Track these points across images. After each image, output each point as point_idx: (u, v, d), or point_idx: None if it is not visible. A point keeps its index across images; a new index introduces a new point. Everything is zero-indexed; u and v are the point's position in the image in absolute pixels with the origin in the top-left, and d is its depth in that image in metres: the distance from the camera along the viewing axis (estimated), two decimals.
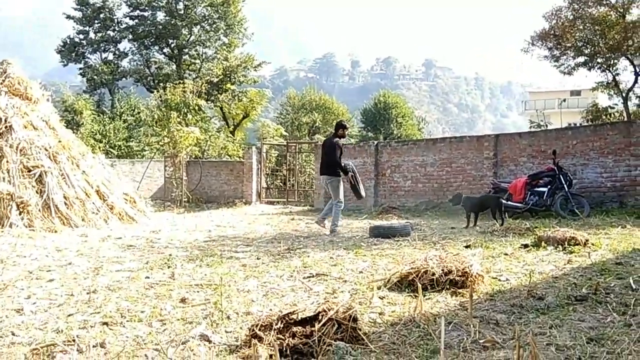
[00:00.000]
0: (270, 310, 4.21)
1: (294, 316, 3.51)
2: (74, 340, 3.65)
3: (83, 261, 7.42)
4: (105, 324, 4.17)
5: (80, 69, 38.62)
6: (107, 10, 38.36)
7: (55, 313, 4.56)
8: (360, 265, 6.42)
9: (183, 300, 4.84)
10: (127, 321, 4.25)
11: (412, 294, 4.72)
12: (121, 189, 14.30)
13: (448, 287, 4.82)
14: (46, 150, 13.19)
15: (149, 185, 22.24)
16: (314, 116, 38.74)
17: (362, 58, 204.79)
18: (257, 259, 7.24)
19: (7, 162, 12.52)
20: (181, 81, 29.28)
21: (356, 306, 4.00)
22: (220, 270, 6.37)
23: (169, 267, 6.74)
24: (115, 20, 38.91)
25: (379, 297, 4.70)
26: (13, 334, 3.99)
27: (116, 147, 30.11)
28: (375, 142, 18.73)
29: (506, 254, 6.81)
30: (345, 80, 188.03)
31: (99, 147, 25.35)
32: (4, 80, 14.12)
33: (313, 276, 5.85)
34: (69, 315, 4.45)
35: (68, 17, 38.36)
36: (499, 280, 5.30)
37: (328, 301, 3.66)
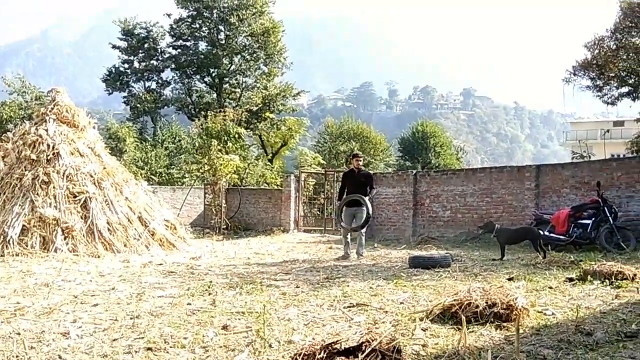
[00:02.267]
0: (313, 339, 4.20)
1: (337, 346, 3.49)
2: None
3: (126, 286, 7.53)
4: (150, 349, 4.22)
5: (124, 97, 39.66)
6: (152, 40, 39.44)
7: (101, 337, 4.64)
8: (401, 295, 6.37)
9: (225, 328, 4.86)
10: (171, 347, 4.29)
11: (455, 327, 4.66)
12: (162, 216, 14.52)
13: (492, 320, 4.73)
14: (91, 176, 13.53)
15: (189, 212, 22.54)
16: (352, 145, 38.85)
17: (400, 87, 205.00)
18: (297, 287, 7.25)
19: (54, 187, 12.88)
20: (221, 109, 29.78)
21: (399, 337, 3.96)
22: (260, 298, 6.39)
23: (209, 293, 6.79)
24: (159, 50, 39.96)
25: (422, 329, 4.65)
26: (60, 357, 4.07)
27: (157, 174, 30.65)
28: (414, 171, 18.66)
29: (551, 288, 6.66)
30: (382, 109, 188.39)
31: (141, 174, 25.83)
32: (52, 108, 14.61)
33: (353, 306, 5.82)
34: (114, 340, 4.52)
35: (114, 47, 39.56)
36: (545, 314, 5.19)
37: (371, 331, 3.63)
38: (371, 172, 12.08)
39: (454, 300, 5.01)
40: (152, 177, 28.80)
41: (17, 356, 3.95)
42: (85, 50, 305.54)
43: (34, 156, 13.38)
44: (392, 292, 6.64)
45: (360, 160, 12.00)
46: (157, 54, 39.85)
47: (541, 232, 11.49)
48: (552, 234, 12.38)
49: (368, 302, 5.97)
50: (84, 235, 12.37)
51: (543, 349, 4.03)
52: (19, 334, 4.76)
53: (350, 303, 5.95)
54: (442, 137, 44.46)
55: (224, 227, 20.15)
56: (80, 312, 5.77)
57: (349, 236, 11.66)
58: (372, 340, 3.49)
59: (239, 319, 5.26)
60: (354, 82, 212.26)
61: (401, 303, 5.94)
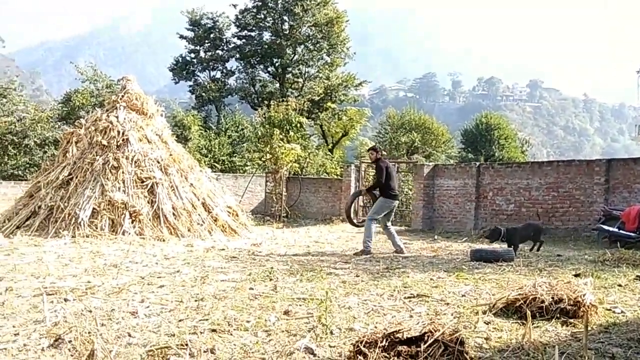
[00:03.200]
0: (375, 327, 4.20)
1: (399, 335, 3.48)
2: (186, 345, 3.82)
3: (190, 270, 7.73)
4: (214, 330, 4.33)
5: (190, 86, 40.50)
6: (217, 30, 40.07)
7: (167, 317, 4.78)
8: (463, 288, 6.28)
9: (286, 313, 4.93)
10: (234, 329, 4.39)
11: (519, 321, 4.57)
12: (225, 202, 14.79)
13: (558, 316, 4.62)
14: (158, 162, 13.92)
15: (250, 199, 22.87)
16: (413, 136, 38.44)
17: (464, 78, 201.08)
18: (357, 276, 7.26)
19: (123, 172, 13.33)
20: (284, 99, 30.01)
21: (462, 329, 3.91)
22: (320, 285, 6.44)
23: (270, 279, 6.89)
24: (224, 40, 40.56)
25: (485, 322, 4.58)
26: (129, 335, 4.22)
27: (220, 162, 31.19)
28: (477, 163, 18.31)
29: (620, 285, 6.43)
30: (445, 101, 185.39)
31: (205, 161, 26.37)
32: (123, 96, 15.08)
33: (414, 297, 5.79)
34: (180, 321, 4.65)
35: (181, 37, 40.42)
36: (614, 312, 5.01)
37: (433, 322, 3.60)
38: (382, 164, 11.20)
39: (519, 294, 4.91)
40: (215, 164, 29.34)
41: (89, 332, 4.11)
42: (153, 39, 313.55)
43: (104, 142, 13.87)
44: (453, 285, 6.57)
45: (371, 154, 11.14)
46: (223, 44, 40.46)
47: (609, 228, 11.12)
48: (622, 231, 11.93)
49: (429, 294, 5.92)
50: (150, 219, 12.76)
51: (612, 347, 3.91)
52: (90, 311, 4.97)
53: (411, 294, 5.92)
54: (507, 130, 43.38)
55: (284, 215, 20.35)
56: (147, 292, 5.97)
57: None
58: (435, 331, 3.47)
59: (300, 305, 5.32)
60: (416, 73, 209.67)
61: (463, 296, 5.87)
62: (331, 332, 4.29)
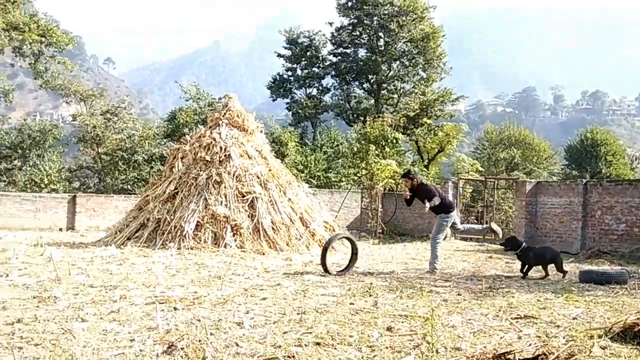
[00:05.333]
0: (484, 347, 4.08)
1: (510, 356, 3.37)
2: (293, 357, 3.87)
3: (290, 283, 7.84)
4: (318, 344, 4.36)
5: (287, 103, 41.37)
6: (314, 48, 40.77)
7: (272, 329, 4.87)
8: (573, 311, 5.98)
9: (389, 329, 4.89)
10: (338, 344, 4.40)
11: (638, 347, 4.28)
12: (322, 217, 14.94)
13: None
14: (258, 177, 14.29)
15: (345, 215, 22.96)
16: (513, 152, 37.29)
17: (567, 92, 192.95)
18: (458, 294, 7.09)
19: (225, 187, 13.79)
20: (379, 115, 30.02)
21: (577, 353, 3.73)
22: (421, 302, 6.34)
23: (370, 295, 6.87)
24: (320, 57, 41.19)
25: (600, 347, 4.33)
26: (237, 345, 4.33)
27: (316, 177, 31.57)
28: (584, 180, 17.45)
29: None
30: (546, 116, 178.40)
31: (301, 177, 26.79)
32: (225, 113, 15.63)
33: (521, 317, 5.57)
34: (284, 333, 4.72)
35: (279, 55, 41.47)
36: None
37: (547, 345, 3.45)
38: (429, 186, 10.99)
39: (638, 318, 4.61)
40: (311, 180, 29.72)
41: (199, 340, 4.26)
42: (251, 59, 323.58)
43: (208, 157, 14.42)
44: (562, 307, 6.27)
45: (407, 182, 10.67)
46: (319, 62, 41.09)
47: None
48: None
49: (536, 315, 5.68)
50: (250, 233, 13.10)
51: None
52: (199, 320, 5.15)
53: (517, 314, 5.71)
54: (614, 145, 41.15)
55: (380, 231, 20.25)
56: (251, 304, 6.10)
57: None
58: (549, 354, 3.33)
59: (402, 322, 5.26)
60: (514, 87, 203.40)
61: (574, 319, 5.58)
62: (437, 351, 4.21)
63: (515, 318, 5.54)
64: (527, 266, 9.36)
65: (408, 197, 10.67)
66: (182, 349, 4.08)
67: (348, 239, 10.62)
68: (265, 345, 4.33)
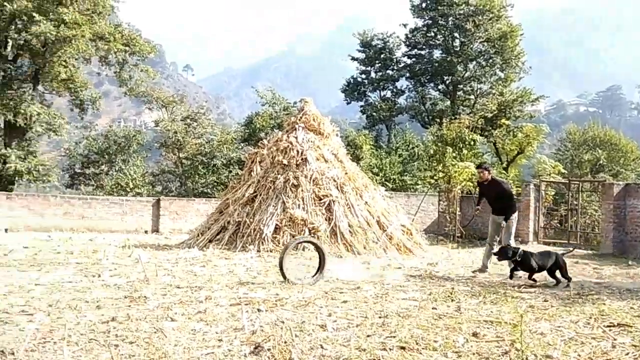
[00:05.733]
0: (579, 355, 3.94)
1: None
2: None
3: (369, 287, 7.82)
4: (403, 348, 4.33)
5: (361, 106, 41.33)
6: (388, 50, 40.59)
7: (355, 332, 4.87)
8: None
9: (475, 335, 4.80)
10: (423, 348, 4.36)
11: None
12: (399, 221, 14.82)
13: None
14: (334, 181, 14.36)
15: (422, 218, 22.70)
16: (598, 153, 35.77)
17: None
18: (545, 301, 6.88)
19: (302, 190, 13.94)
20: (455, 117, 29.52)
21: None
22: (506, 308, 6.19)
23: (452, 300, 6.76)
24: (394, 59, 40.96)
25: None
26: (322, 347, 4.36)
27: (391, 181, 31.37)
28: None
29: None
30: (633, 115, 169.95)
31: (376, 180, 26.68)
32: (301, 117, 15.82)
33: (614, 326, 5.33)
34: (368, 336, 4.72)
35: (353, 58, 41.53)
36: None
37: None
38: (503, 183, 10.60)
39: None
40: (387, 183, 29.56)
41: (285, 342, 4.33)
42: (324, 63, 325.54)
43: (285, 161, 14.63)
44: None
45: (484, 173, 10.36)
46: (393, 64, 40.87)
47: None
48: None
49: (631, 323, 5.42)
50: (327, 236, 13.18)
51: None
52: (283, 322, 5.22)
53: (610, 322, 5.47)
54: None
55: (458, 235, 19.90)
56: (333, 307, 6.14)
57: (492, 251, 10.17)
58: None
59: (488, 328, 5.15)
60: (597, 86, 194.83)
61: None
62: (526, 359, 4.09)
63: (608, 326, 5.31)
64: (530, 274, 8.67)
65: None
66: (268, 349, 4.16)
67: (312, 243, 9.68)
68: (350, 348, 4.34)
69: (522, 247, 9.68)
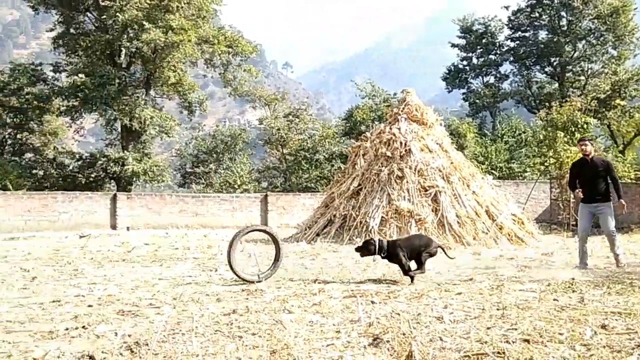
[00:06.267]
0: None
1: None
2: (503, 353, 3.76)
3: (483, 278, 7.63)
4: (526, 341, 4.18)
5: (463, 93, 40.37)
6: (489, 35, 39.35)
7: (473, 324, 4.77)
8: None
9: (604, 327, 4.55)
10: (547, 341, 4.19)
11: None
12: (509, 210, 14.36)
13: None
14: (440, 171, 14.14)
15: (533, 207, 21.84)
16: None
17: None
18: None
19: (407, 182, 13.83)
20: (565, 99, 28.17)
21: None
22: (634, 299, 5.83)
23: (573, 290, 6.46)
24: (497, 44, 39.66)
25: None
26: (441, 340, 4.30)
27: (497, 169, 30.42)
28: None
29: None
30: None
31: (482, 169, 25.97)
32: (403, 108, 15.69)
33: None
34: (488, 329, 4.60)
35: (453, 45, 40.60)
36: None
37: None
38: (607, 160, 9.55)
39: None
40: (493, 171, 28.69)
41: (404, 334, 4.31)
42: (421, 52, 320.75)
43: (388, 153, 14.57)
44: None
45: (587, 146, 9.06)
46: (495, 48, 39.60)
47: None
48: None
49: None
50: (435, 227, 13.01)
51: None
52: (398, 314, 5.21)
53: None
54: None
55: (573, 223, 18.97)
56: (447, 299, 6.04)
57: (586, 245, 9.21)
58: None
59: (617, 320, 4.87)
60: None
61: None
62: None
63: None
64: (404, 265, 7.41)
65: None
66: (387, 342, 4.15)
67: (265, 231, 8.60)
68: (470, 340, 4.25)
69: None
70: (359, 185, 14.53)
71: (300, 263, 9.75)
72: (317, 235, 13.95)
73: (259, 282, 7.38)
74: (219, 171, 34.61)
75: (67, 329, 4.87)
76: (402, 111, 15.63)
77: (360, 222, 13.42)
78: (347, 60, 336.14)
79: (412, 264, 7.59)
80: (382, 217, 13.39)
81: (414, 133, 15.06)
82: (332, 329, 4.71)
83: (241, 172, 32.16)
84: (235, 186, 30.51)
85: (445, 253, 8.04)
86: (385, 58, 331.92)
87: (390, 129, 15.31)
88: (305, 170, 32.30)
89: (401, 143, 14.72)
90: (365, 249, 7.64)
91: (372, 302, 5.87)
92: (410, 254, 7.52)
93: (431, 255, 7.70)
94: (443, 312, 5.25)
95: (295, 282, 7.45)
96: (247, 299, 6.29)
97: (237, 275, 7.51)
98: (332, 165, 31.59)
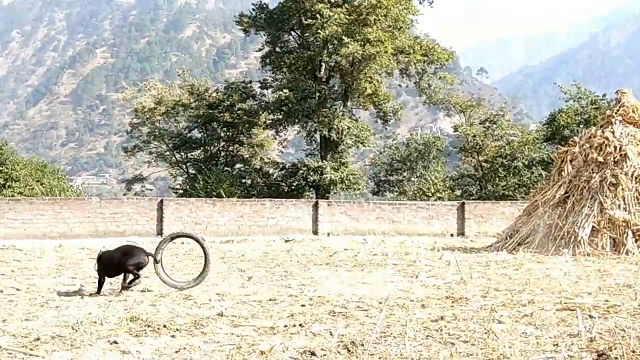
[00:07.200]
0: None
1: None
2: None
3: None
4: None
5: None
6: None
7: None
8: None
9: None
10: None
11: None
12: None
13: None
14: None
15: None
16: None
17: None
18: None
19: (622, 189, 12.68)
20: None
21: None
22: None
23: None
24: None
25: None
26: None
27: None
28: None
29: None
30: None
31: None
32: (618, 110, 14.41)
33: None
34: None
35: None
36: None
37: None
38: None
39: None
40: None
41: (633, 350, 3.96)
42: (635, 49, 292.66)
43: (600, 158, 13.48)
44: None
45: None
46: None
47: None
48: None
49: None
50: None
51: None
52: (623, 330, 4.79)
53: None
54: None
55: None
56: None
57: None
58: None
59: None
60: None
61: None
62: None
63: None
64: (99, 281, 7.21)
65: None
66: (615, 358, 3.84)
67: (191, 237, 8.31)
68: None
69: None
70: (566, 192, 13.61)
71: (503, 273, 9.40)
72: (519, 244, 13.31)
73: (183, 289, 7.44)
74: (412, 179, 34.69)
75: (285, 326, 5.23)
76: (616, 113, 14.37)
77: (568, 232, 12.55)
78: (546, 63, 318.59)
79: None
80: (593, 226, 12.41)
81: (631, 136, 13.77)
82: (549, 342, 4.49)
83: (435, 180, 31.89)
84: (429, 194, 30.33)
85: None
86: (592, 57, 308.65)
87: (603, 132, 14.14)
88: (503, 178, 31.10)
89: (615, 147, 13.53)
90: (101, 263, 7.40)
91: (590, 317, 5.47)
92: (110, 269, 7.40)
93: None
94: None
95: (501, 292, 7.21)
96: (452, 306, 6.22)
97: (163, 281, 7.58)
98: (532, 173, 30.06)
